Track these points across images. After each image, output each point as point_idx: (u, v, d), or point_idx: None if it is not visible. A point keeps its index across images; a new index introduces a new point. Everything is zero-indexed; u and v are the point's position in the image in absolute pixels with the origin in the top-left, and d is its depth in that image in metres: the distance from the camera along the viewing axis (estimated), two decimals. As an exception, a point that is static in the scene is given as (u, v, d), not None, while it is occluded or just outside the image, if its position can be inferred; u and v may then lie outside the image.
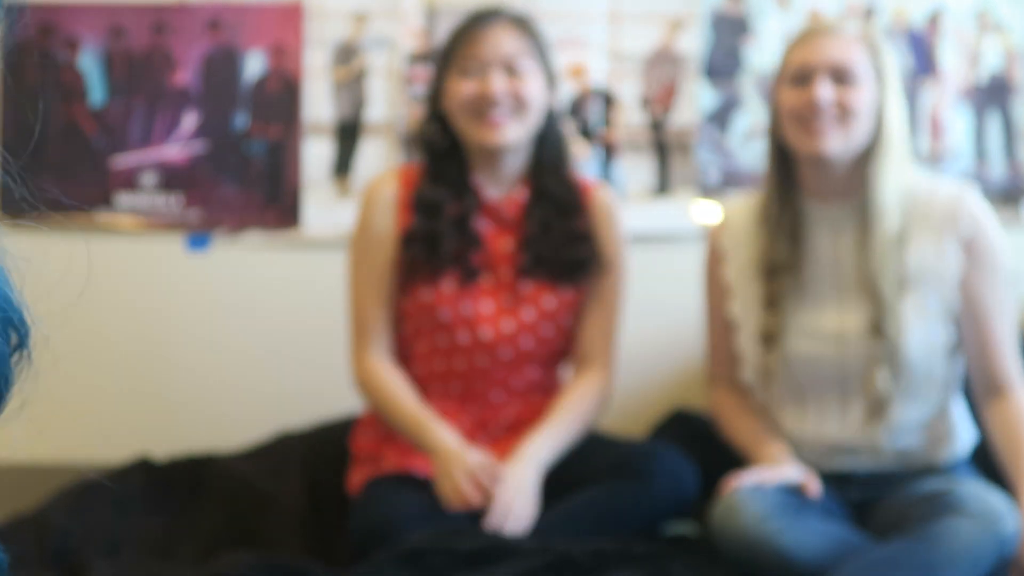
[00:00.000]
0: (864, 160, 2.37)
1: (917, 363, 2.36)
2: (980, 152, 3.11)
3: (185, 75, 3.12)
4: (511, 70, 2.48)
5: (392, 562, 2.22)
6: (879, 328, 2.34)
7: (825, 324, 2.39)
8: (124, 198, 3.11)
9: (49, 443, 3.07)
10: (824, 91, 2.34)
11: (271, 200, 3.11)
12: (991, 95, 3.12)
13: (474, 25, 2.52)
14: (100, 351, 3.12)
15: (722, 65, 3.12)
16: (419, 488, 2.44)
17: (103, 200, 3.11)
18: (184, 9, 3.11)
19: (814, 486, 2.34)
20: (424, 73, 3.11)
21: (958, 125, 3.11)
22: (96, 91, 3.12)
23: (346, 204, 3.09)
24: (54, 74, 3.10)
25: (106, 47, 3.11)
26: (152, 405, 3.12)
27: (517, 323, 2.51)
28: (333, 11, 3.11)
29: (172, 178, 3.11)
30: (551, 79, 2.54)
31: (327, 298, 3.07)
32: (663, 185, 3.11)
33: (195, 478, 2.74)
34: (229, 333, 3.13)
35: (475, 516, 2.39)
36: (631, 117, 3.12)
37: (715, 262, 2.52)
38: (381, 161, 3.11)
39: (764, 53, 3.11)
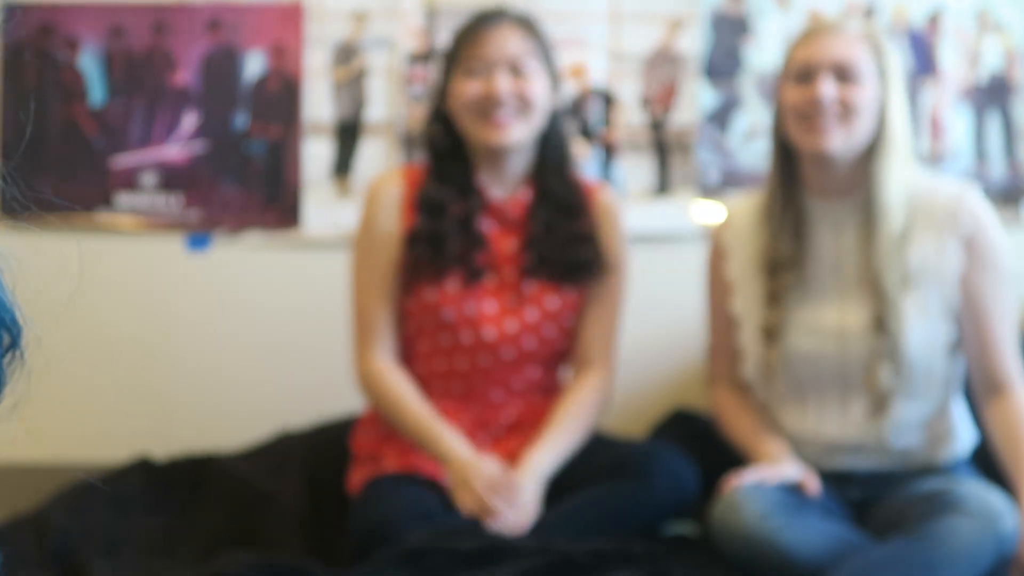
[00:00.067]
0: (867, 158, 2.38)
1: (917, 360, 2.36)
2: (980, 152, 3.11)
3: (185, 75, 3.12)
4: (516, 71, 2.49)
5: (392, 562, 2.22)
6: (881, 323, 2.35)
7: (826, 320, 2.40)
8: (124, 198, 3.11)
9: (49, 443, 3.07)
10: (827, 89, 2.34)
11: (271, 200, 3.12)
12: (991, 95, 3.12)
13: (479, 25, 2.53)
14: (100, 351, 3.12)
15: (722, 65, 3.12)
16: (419, 488, 2.44)
17: (103, 200, 3.11)
18: (184, 9, 3.11)
19: (813, 484, 2.34)
20: (424, 73, 3.11)
21: (958, 125, 3.11)
22: (96, 91, 3.12)
23: (346, 204, 3.09)
24: (54, 74, 3.11)
25: (106, 47, 3.11)
26: (152, 405, 3.12)
27: (520, 323, 2.52)
28: (333, 11, 3.11)
29: (172, 178, 3.11)
30: (555, 80, 2.54)
31: (327, 298, 3.07)
32: (663, 185, 3.11)
33: (195, 478, 2.74)
34: (229, 333, 3.13)
35: (475, 516, 2.39)
36: (631, 117, 3.12)
37: (717, 259, 2.53)
38: (381, 161, 3.11)
39: (764, 53, 3.11)
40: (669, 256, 3.06)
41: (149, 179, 3.12)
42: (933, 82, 3.11)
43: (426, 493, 2.42)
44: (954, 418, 2.45)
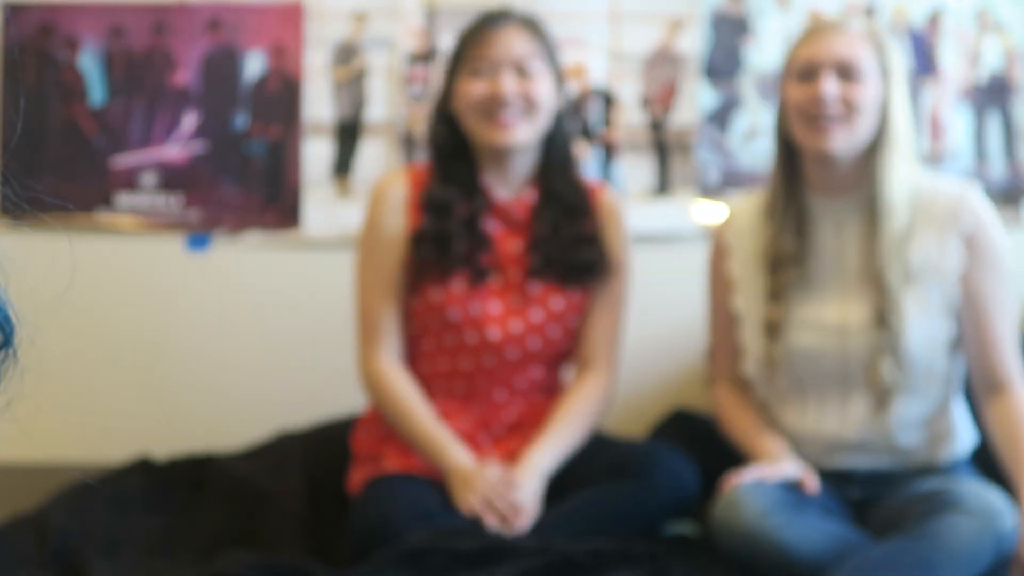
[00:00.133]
0: (869, 156, 2.39)
1: (918, 356, 2.36)
2: (980, 152, 3.11)
3: (185, 75, 3.12)
4: (521, 71, 2.49)
5: (392, 562, 2.22)
6: (882, 319, 2.35)
7: (827, 317, 2.40)
8: (124, 198, 3.12)
9: (49, 443, 3.07)
10: (829, 87, 2.35)
11: (271, 200, 3.12)
12: (991, 95, 3.12)
13: (484, 26, 2.53)
14: (100, 351, 3.12)
15: (722, 65, 3.12)
16: (419, 488, 2.44)
17: (103, 200, 3.11)
18: (184, 9, 3.11)
19: (812, 482, 2.35)
20: (424, 73, 3.11)
21: (958, 125, 3.11)
22: (96, 91, 3.12)
23: (346, 204, 3.09)
24: (54, 74, 3.11)
25: (106, 47, 3.11)
26: (152, 405, 3.12)
27: (525, 324, 2.52)
28: (333, 11, 3.12)
29: (172, 178, 3.11)
30: (559, 80, 2.55)
31: (327, 298, 3.07)
32: (663, 185, 3.11)
33: (195, 478, 2.74)
34: (229, 333, 3.13)
35: (475, 516, 2.39)
36: (631, 117, 3.12)
37: (719, 257, 2.53)
38: (381, 161, 3.11)
39: (764, 53, 3.11)
40: (669, 256, 3.06)
41: (149, 179, 3.12)
42: (933, 82, 3.11)
43: (426, 493, 2.43)
44: (954, 418, 2.45)
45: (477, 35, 2.53)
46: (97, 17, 3.11)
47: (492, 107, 2.49)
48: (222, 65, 3.12)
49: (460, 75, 2.53)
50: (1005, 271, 2.40)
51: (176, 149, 3.12)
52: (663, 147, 3.11)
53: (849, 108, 2.35)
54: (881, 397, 2.37)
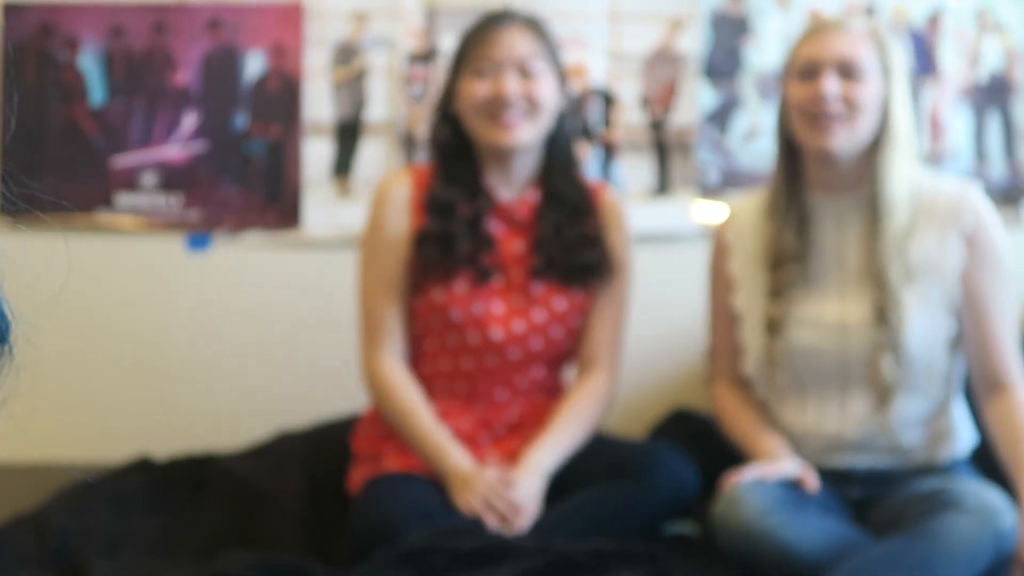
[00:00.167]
0: (870, 154, 2.39)
1: (918, 353, 2.37)
2: (980, 152, 3.11)
3: (185, 75, 3.12)
4: (524, 72, 2.49)
5: (392, 562, 2.22)
6: (883, 315, 2.35)
7: (828, 315, 2.40)
8: (124, 198, 3.12)
9: (49, 443, 3.07)
10: (830, 86, 2.35)
11: (271, 200, 3.12)
12: (991, 95, 3.12)
13: (487, 27, 2.53)
14: (100, 351, 3.12)
15: (722, 65, 3.12)
16: (420, 487, 2.44)
17: (103, 200, 3.11)
18: (184, 9, 3.11)
19: (812, 481, 2.35)
20: (424, 73, 3.11)
21: (958, 125, 3.11)
22: (96, 91, 3.12)
23: (346, 204, 3.09)
24: (54, 74, 3.11)
25: (106, 47, 3.11)
26: (152, 405, 3.12)
27: (528, 324, 2.52)
28: (333, 11, 3.12)
29: (172, 178, 3.12)
30: (562, 81, 2.55)
31: (327, 298, 3.08)
32: (663, 185, 3.11)
33: (195, 478, 2.74)
34: (229, 333, 3.13)
35: (475, 516, 2.39)
36: (631, 117, 3.12)
37: (720, 256, 2.54)
38: (381, 161, 3.11)
39: (764, 53, 3.11)
40: (669, 256, 3.06)
41: (149, 179, 3.12)
42: (933, 82, 3.11)
43: (426, 493, 2.43)
44: (955, 417, 2.45)
45: (480, 35, 2.53)
46: (97, 17, 3.11)
47: (495, 108, 2.49)
48: (222, 65, 3.12)
49: (463, 75, 2.53)
50: (1005, 270, 2.40)
51: (176, 149, 3.12)
52: (663, 147, 3.11)
53: (850, 107, 2.36)
54: (882, 395, 2.38)
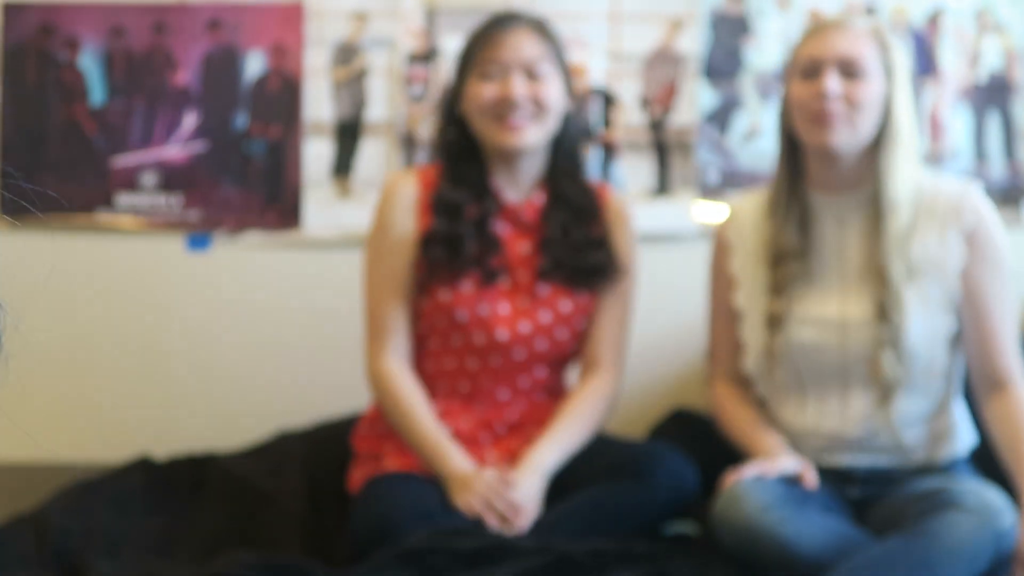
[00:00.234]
0: (872, 153, 2.40)
1: (919, 351, 2.37)
2: (980, 152, 3.12)
3: (185, 75, 3.12)
4: (531, 74, 2.50)
5: (392, 562, 2.22)
6: (883, 312, 2.36)
7: (828, 312, 2.41)
8: (124, 198, 3.12)
9: (49, 443, 3.07)
10: (832, 84, 2.36)
11: (271, 200, 3.12)
12: (991, 95, 3.12)
13: (494, 28, 2.54)
14: (100, 351, 3.12)
15: (722, 65, 3.12)
16: (420, 487, 2.44)
17: (103, 200, 3.11)
18: (184, 9, 3.11)
19: (811, 477, 2.35)
20: (424, 73, 3.11)
21: (958, 125, 3.12)
22: (96, 91, 3.12)
23: (346, 204, 3.09)
24: (54, 74, 3.11)
25: (106, 47, 3.11)
26: (152, 405, 3.12)
27: (533, 325, 2.52)
28: (333, 11, 3.12)
29: (172, 178, 3.12)
30: (568, 83, 2.55)
31: (327, 298, 3.08)
32: (663, 185, 3.11)
33: (195, 478, 2.74)
34: (229, 333, 3.13)
35: (476, 516, 2.40)
36: (631, 117, 3.12)
37: (721, 254, 2.54)
38: (381, 161, 3.11)
39: (764, 53, 3.11)
40: (669, 256, 3.06)
41: (149, 179, 3.12)
42: (933, 82, 3.11)
43: (426, 492, 2.43)
44: (955, 417, 2.45)
45: (487, 37, 2.53)
46: (97, 17, 3.11)
47: (502, 109, 2.49)
48: (222, 65, 3.12)
49: (469, 77, 2.53)
50: (1005, 269, 2.41)
51: (176, 149, 3.12)
52: (663, 147, 3.11)
53: (851, 105, 2.36)
54: (883, 392, 2.38)
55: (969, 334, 2.40)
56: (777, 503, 2.26)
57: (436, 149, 2.64)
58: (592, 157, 3.10)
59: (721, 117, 3.11)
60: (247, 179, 3.12)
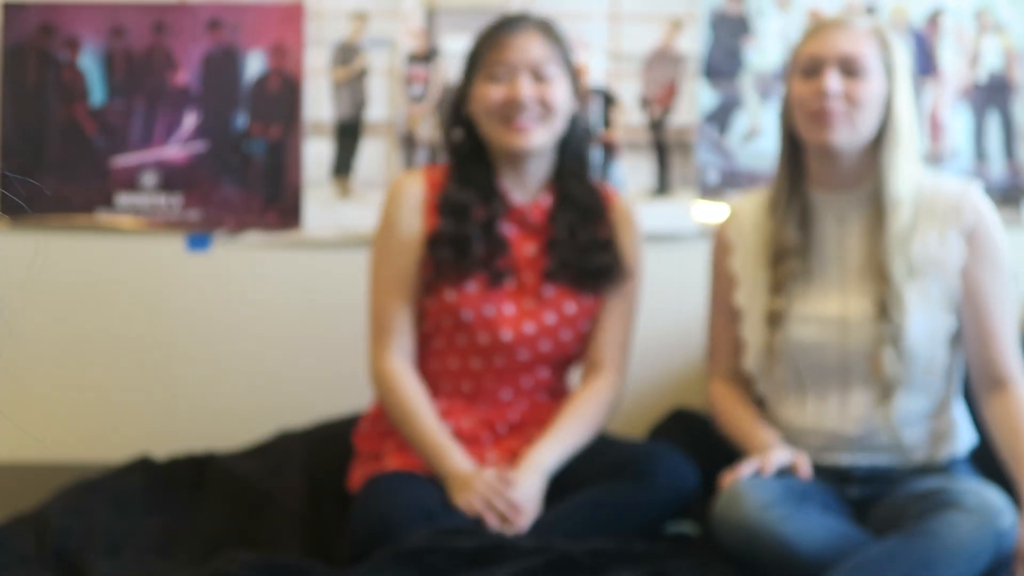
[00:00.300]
0: (872, 152, 2.40)
1: (919, 349, 2.37)
2: (980, 152, 3.12)
3: (185, 75, 3.12)
4: (538, 76, 2.51)
5: (392, 561, 2.22)
6: (884, 310, 2.36)
7: (828, 310, 2.41)
8: (124, 198, 3.12)
9: (49, 443, 3.07)
10: (832, 83, 2.36)
11: (271, 200, 3.12)
12: (991, 95, 3.12)
13: (501, 30, 2.54)
14: (100, 351, 3.12)
15: (722, 65, 3.12)
16: (420, 486, 2.44)
17: (103, 200, 3.11)
18: (184, 9, 3.12)
19: (805, 467, 2.36)
20: (424, 73, 3.11)
21: (958, 125, 3.12)
22: (96, 91, 3.12)
23: (346, 204, 3.09)
24: (54, 74, 3.11)
25: (106, 47, 3.11)
26: (152, 405, 3.12)
27: (538, 326, 2.53)
28: (333, 11, 3.12)
29: (172, 178, 3.12)
30: (575, 84, 2.56)
31: (327, 298, 3.08)
32: (663, 185, 3.11)
33: (195, 478, 2.74)
34: (229, 333, 3.13)
35: (476, 516, 2.40)
36: (631, 117, 3.12)
37: (721, 253, 2.54)
38: (381, 161, 3.11)
39: (764, 53, 3.11)
40: (669, 256, 3.06)
41: (149, 179, 3.12)
42: (933, 82, 3.12)
43: (427, 492, 2.43)
44: (955, 416, 2.46)
45: (494, 39, 2.53)
46: (97, 17, 3.11)
47: (509, 111, 2.50)
48: (222, 65, 3.12)
49: (477, 79, 2.54)
50: (1005, 267, 2.41)
51: (176, 149, 3.12)
52: (663, 147, 3.12)
53: (852, 104, 2.36)
54: (883, 390, 2.38)
55: (969, 333, 2.40)
56: (777, 502, 2.26)
57: (443, 150, 2.64)
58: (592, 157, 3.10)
59: (721, 117, 3.11)
60: (247, 179, 3.12)
